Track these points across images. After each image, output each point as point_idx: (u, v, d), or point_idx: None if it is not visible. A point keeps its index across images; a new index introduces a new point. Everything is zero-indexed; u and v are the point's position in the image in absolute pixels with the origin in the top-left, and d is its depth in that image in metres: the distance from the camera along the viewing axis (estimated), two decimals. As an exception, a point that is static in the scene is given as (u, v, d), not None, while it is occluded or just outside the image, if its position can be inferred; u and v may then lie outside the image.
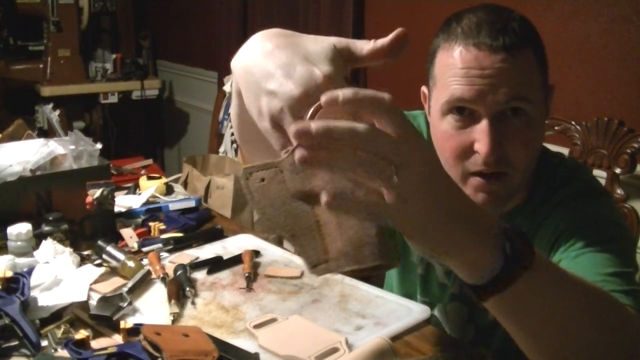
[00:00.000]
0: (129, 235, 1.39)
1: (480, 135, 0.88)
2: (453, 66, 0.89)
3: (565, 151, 1.23)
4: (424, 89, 1.01)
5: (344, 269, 0.58)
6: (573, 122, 1.50)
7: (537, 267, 0.60)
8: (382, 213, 0.55)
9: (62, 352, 0.95)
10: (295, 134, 0.50)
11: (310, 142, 0.50)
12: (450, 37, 0.90)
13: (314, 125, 0.50)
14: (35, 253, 1.24)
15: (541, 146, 0.97)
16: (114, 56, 3.60)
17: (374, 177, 0.52)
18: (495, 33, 0.87)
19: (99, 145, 1.50)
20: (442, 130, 0.92)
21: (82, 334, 0.96)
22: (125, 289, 1.12)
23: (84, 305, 1.08)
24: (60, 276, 1.15)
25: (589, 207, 0.94)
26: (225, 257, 1.31)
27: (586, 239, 0.88)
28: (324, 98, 0.51)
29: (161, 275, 1.21)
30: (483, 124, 0.88)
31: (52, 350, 0.96)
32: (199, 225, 1.50)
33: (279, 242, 1.40)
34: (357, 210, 0.55)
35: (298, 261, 1.31)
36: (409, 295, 1.15)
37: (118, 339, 0.99)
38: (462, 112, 0.90)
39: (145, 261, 1.28)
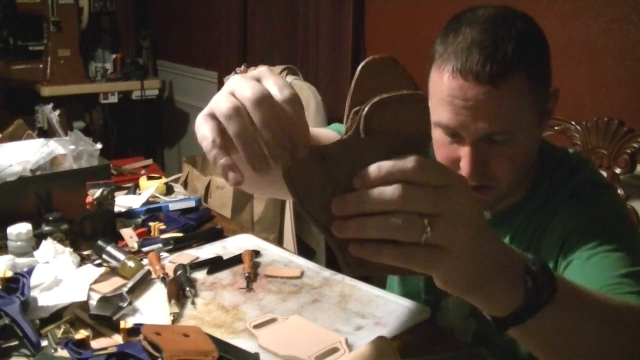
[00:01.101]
0: (129, 235, 1.39)
1: (463, 155, 0.91)
2: (440, 90, 0.90)
3: (559, 150, 1.23)
4: None
5: (377, 273, 0.57)
6: (573, 122, 1.50)
7: (559, 298, 0.61)
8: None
9: (62, 352, 0.95)
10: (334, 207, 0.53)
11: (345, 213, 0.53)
12: (444, 54, 0.90)
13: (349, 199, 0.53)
14: (35, 253, 1.24)
15: (531, 155, 0.96)
16: (114, 56, 3.60)
17: (406, 235, 0.52)
18: (484, 59, 0.85)
19: (99, 145, 1.50)
20: (434, 137, 0.96)
21: (82, 334, 0.96)
22: (125, 289, 1.12)
23: (84, 305, 1.08)
24: (60, 276, 1.15)
25: (596, 202, 0.95)
26: (225, 257, 1.31)
27: (596, 238, 0.89)
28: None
29: (161, 275, 1.21)
30: (465, 149, 0.91)
31: (52, 350, 0.96)
32: (199, 225, 1.50)
33: (278, 242, 1.40)
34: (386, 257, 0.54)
35: (298, 261, 1.31)
36: (410, 295, 1.15)
37: (118, 339, 0.99)
38: (449, 130, 0.92)
39: (145, 261, 1.28)
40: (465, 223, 0.54)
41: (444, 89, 0.89)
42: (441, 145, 0.95)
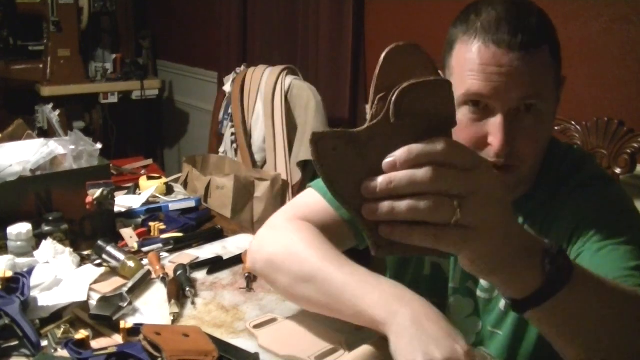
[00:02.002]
0: (129, 235, 1.39)
1: (494, 129, 0.91)
2: (471, 61, 0.90)
3: (564, 144, 1.23)
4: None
5: (410, 254, 0.59)
6: (573, 122, 1.50)
7: (575, 280, 0.64)
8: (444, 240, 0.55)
9: (62, 352, 0.95)
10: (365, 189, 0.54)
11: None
12: (470, 30, 0.91)
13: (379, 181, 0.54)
14: (35, 253, 1.24)
15: (549, 138, 0.99)
16: (114, 56, 3.60)
17: (437, 217, 0.53)
18: (514, 30, 0.88)
19: (99, 145, 1.50)
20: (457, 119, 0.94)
21: (82, 334, 0.96)
22: (125, 289, 1.12)
23: (84, 305, 1.08)
24: (60, 276, 1.15)
25: (603, 194, 0.97)
26: (225, 257, 1.31)
27: (605, 230, 0.90)
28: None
29: (161, 275, 1.21)
30: (497, 119, 0.90)
31: (52, 350, 0.96)
32: (199, 225, 1.50)
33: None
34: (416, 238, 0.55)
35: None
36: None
37: (118, 339, 0.99)
38: (478, 105, 0.92)
39: (145, 261, 1.28)
40: (494, 202, 0.56)
41: (474, 59, 0.90)
42: (465, 126, 0.93)
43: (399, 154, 0.54)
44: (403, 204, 0.53)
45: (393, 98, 0.54)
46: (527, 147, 0.92)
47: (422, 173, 0.53)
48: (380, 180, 0.54)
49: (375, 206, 0.54)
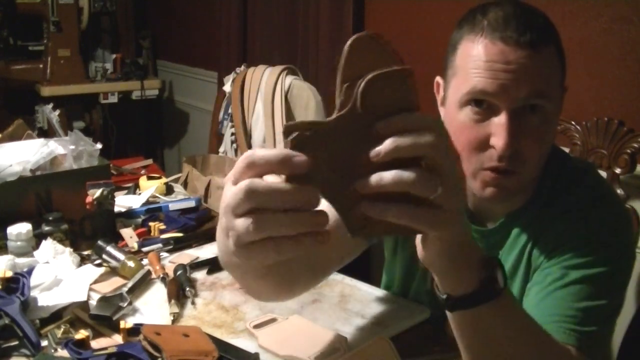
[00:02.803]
0: (129, 235, 1.39)
1: (498, 129, 0.88)
2: (477, 58, 0.88)
3: (565, 151, 1.23)
4: (438, 79, 1.00)
5: (381, 235, 0.61)
6: (573, 122, 1.50)
7: (504, 298, 0.71)
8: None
9: (62, 352, 0.95)
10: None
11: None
12: (476, 29, 0.90)
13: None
14: (35, 253, 1.24)
15: (553, 142, 0.97)
16: (114, 56, 3.59)
17: (419, 189, 0.55)
18: (523, 28, 0.87)
19: (99, 145, 1.50)
20: (458, 121, 0.92)
21: (82, 334, 0.96)
22: (125, 289, 1.12)
23: (84, 305, 1.08)
24: (60, 276, 1.15)
25: (593, 218, 0.93)
26: (225, 257, 1.31)
27: (577, 258, 0.90)
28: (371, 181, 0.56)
29: (161, 275, 1.21)
30: (502, 118, 0.88)
31: (52, 350, 0.96)
32: (199, 225, 1.50)
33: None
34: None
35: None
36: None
37: (118, 339, 0.99)
38: (481, 104, 0.89)
39: (145, 261, 1.28)
40: (461, 193, 0.60)
41: (480, 56, 0.88)
42: (466, 128, 0.91)
43: (392, 121, 0.56)
44: (390, 173, 0.55)
45: (360, 89, 0.56)
46: (530, 149, 0.89)
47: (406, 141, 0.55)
48: (376, 150, 0.55)
49: (365, 179, 0.56)
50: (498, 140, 0.88)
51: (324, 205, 0.57)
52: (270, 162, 0.55)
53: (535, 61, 0.87)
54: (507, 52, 0.87)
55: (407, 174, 0.54)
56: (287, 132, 0.56)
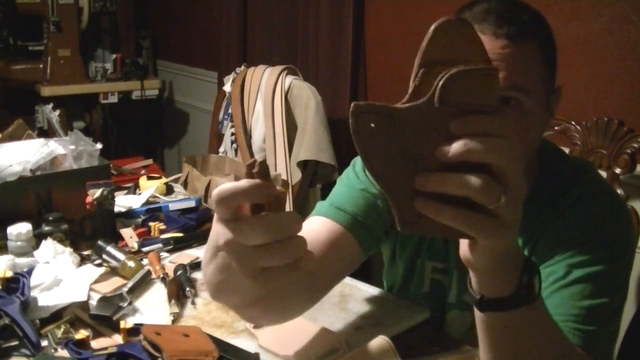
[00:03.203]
0: (129, 235, 1.39)
1: None
2: None
3: (565, 151, 1.23)
4: None
5: (432, 234, 0.60)
6: (573, 122, 1.50)
7: (537, 305, 0.70)
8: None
9: (62, 352, 0.95)
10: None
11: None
12: None
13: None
14: (35, 253, 1.24)
15: (537, 142, 0.96)
16: (114, 56, 3.59)
17: (482, 197, 0.54)
18: (501, 21, 0.87)
19: (99, 145, 1.50)
20: None
21: (82, 334, 0.96)
22: (125, 289, 1.12)
23: (84, 305, 1.08)
24: (60, 276, 1.15)
25: (596, 215, 0.94)
26: (225, 257, 1.31)
27: (580, 256, 0.90)
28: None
29: (161, 275, 1.21)
30: None
31: (52, 350, 0.96)
32: (199, 225, 1.50)
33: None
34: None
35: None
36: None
37: (118, 339, 0.99)
38: None
39: (145, 261, 1.28)
40: (521, 203, 0.57)
41: None
42: None
43: (466, 120, 0.54)
44: (455, 176, 0.53)
45: (440, 83, 0.53)
46: None
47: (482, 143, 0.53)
48: (445, 149, 0.54)
49: (427, 176, 0.55)
50: None
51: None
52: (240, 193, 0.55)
53: (512, 52, 0.86)
54: (484, 42, 0.87)
55: (473, 180, 0.53)
56: (356, 113, 0.54)
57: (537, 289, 0.69)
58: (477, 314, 0.73)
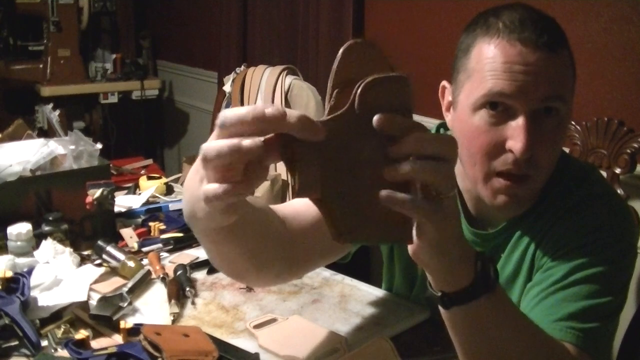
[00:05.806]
0: (129, 235, 1.39)
1: (516, 132, 0.86)
2: (494, 60, 0.87)
3: (566, 152, 1.23)
4: (445, 83, 0.99)
5: (368, 242, 0.63)
6: (573, 122, 1.50)
7: (497, 293, 0.73)
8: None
9: (62, 352, 0.95)
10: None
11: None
12: (491, 31, 0.88)
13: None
14: (35, 253, 1.24)
15: (561, 150, 0.95)
16: (114, 56, 3.59)
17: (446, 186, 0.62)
18: (540, 30, 0.86)
19: (99, 145, 1.50)
20: (473, 125, 0.90)
21: (82, 334, 0.96)
22: (125, 289, 1.12)
23: (84, 305, 1.08)
24: (60, 276, 1.15)
25: (595, 216, 0.93)
26: (225, 257, 1.31)
27: (580, 258, 0.89)
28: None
29: (161, 275, 1.21)
30: (520, 121, 0.86)
31: (52, 350, 0.96)
32: (199, 225, 1.50)
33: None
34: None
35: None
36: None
37: (118, 339, 0.99)
38: (496, 107, 0.87)
39: (145, 261, 1.28)
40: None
41: (497, 58, 0.86)
42: (482, 133, 0.88)
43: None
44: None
45: (359, 90, 0.58)
46: (546, 153, 0.88)
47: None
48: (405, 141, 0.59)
49: (397, 168, 0.59)
50: (516, 143, 0.85)
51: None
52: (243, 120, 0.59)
53: (553, 63, 0.86)
54: (526, 53, 0.85)
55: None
56: (283, 145, 0.58)
57: (492, 277, 0.72)
58: (444, 314, 0.75)
